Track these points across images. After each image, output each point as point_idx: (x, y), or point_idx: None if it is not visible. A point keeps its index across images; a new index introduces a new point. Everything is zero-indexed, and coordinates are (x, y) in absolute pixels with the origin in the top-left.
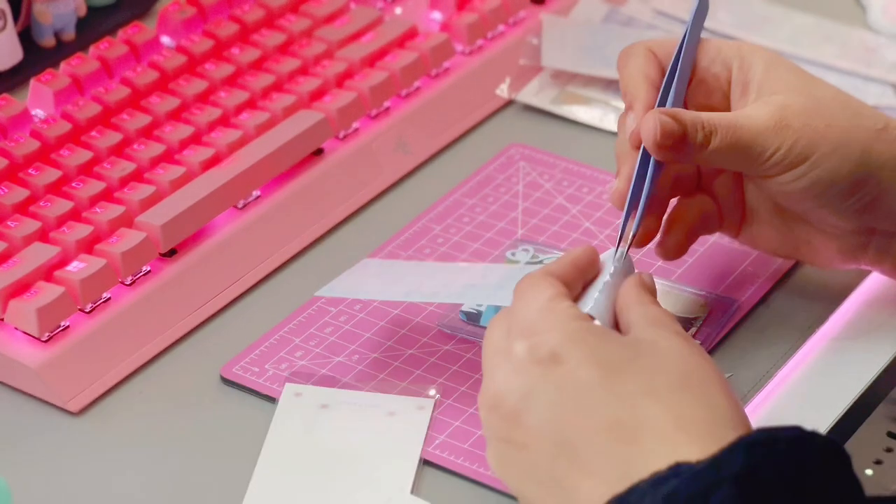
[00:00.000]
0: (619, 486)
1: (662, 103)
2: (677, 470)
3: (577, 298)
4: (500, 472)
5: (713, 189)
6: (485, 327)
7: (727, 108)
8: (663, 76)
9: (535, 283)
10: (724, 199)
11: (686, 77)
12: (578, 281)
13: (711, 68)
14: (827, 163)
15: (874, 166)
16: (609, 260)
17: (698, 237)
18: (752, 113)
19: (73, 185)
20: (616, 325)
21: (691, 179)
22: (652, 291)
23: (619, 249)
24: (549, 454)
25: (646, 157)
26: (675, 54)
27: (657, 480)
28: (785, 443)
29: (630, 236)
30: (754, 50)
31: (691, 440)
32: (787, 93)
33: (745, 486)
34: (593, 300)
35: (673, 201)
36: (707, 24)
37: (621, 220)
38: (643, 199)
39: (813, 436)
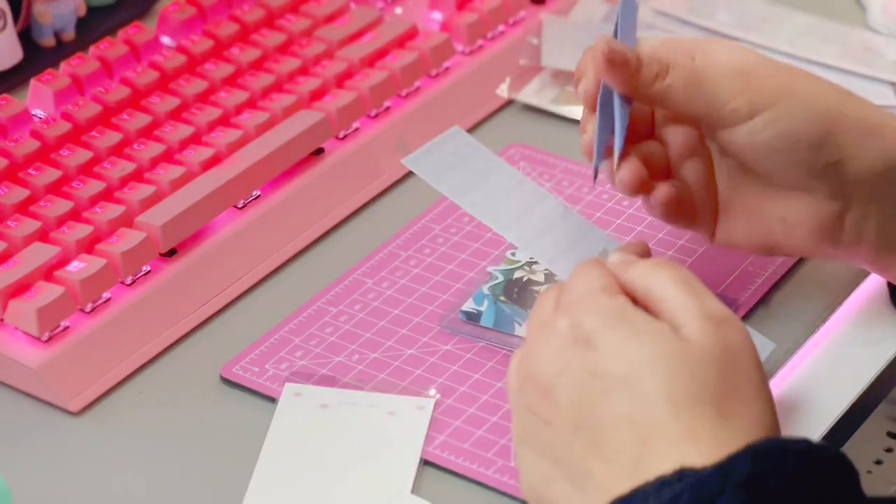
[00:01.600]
0: (630, 480)
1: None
2: (682, 475)
3: None
4: (521, 444)
5: (683, 175)
6: (485, 327)
7: None
8: None
9: (594, 268)
10: (695, 185)
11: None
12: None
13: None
14: (793, 112)
15: (840, 124)
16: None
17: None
18: (715, 58)
19: (73, 185)
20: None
21: (660, 162)
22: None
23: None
24: (569, 435)
25: (606, 97)
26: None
27: (662, 484)
28: (793, 454)
29: (615, 158)
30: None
31: (699, 453)
32: (752, 55)
33: (750, 495)
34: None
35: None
36: (707, 24)
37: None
38: (618, 133)
39: (822, 449)
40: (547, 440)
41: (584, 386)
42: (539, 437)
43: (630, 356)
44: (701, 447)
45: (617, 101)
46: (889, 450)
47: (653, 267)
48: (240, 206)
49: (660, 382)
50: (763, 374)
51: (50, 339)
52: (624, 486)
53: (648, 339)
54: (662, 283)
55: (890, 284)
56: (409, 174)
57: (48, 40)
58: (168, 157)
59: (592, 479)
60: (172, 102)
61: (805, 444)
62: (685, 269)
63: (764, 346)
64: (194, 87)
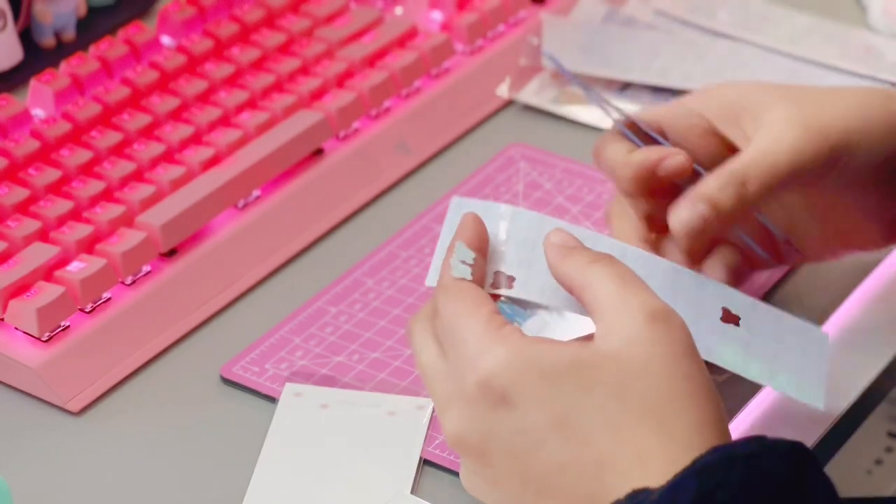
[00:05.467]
0: None
1: None
2: (636, 499)
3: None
4: (476, 496)
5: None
6: None
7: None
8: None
9: (465, 298)
10: (753, 238)
11: None
12: (483, 260)
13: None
14: (865, 145)
15: None
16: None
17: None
18: (768, 137)
19: (73, 185)
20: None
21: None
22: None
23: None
24: (517, 489)
25: None
26: None
27: None
28: (741, 461)
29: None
30: (720, 87)
31: (649, 475)
32: (781, 104)
33: None
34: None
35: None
36: (707, 23)
37: None
38: None
39: (773, 445)
40: (498, 496)
41: (515, 446)
42: (489, 493)
43: (549, 402)
44: (651, 468)
45: None
46: (889, 450)
47: (590, 262)
48: (240, 206)
49: (592, 416)
50: (701, 365)
51: (50, 339)
52: None
53: (563, 376)
54: (600, 279)
55: None
56: (410, 174)
57: (48, 40)
58: (168, 157)
59: None
60: (172, 102)
61: (753, 445)
62: (622, 265)
63: (822, 340)
64: (194, 87)
